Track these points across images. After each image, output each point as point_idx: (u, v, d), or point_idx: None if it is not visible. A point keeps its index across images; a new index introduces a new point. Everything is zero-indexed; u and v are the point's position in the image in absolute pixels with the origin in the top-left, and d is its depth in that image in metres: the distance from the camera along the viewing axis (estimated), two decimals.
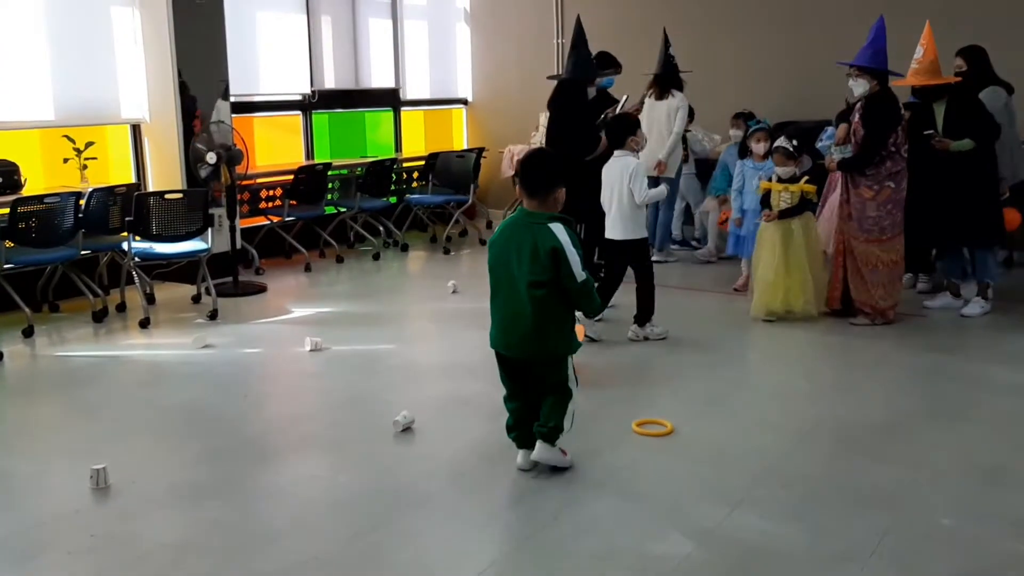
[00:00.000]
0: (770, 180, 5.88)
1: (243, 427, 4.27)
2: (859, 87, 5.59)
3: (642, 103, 6.71)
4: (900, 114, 5.66)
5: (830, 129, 5.92)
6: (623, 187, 5.36)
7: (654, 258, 7.80)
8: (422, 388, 4.76)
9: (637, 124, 5.52)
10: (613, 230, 5.50)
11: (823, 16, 8.27)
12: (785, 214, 5.73)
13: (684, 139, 7.72)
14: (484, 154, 9.48)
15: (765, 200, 5.87)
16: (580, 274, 3.41)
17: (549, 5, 9.79)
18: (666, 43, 7.57)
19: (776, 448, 3.86)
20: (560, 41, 9.74)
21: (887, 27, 5.58)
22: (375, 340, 5.71)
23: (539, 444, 3.62)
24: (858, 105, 5.72)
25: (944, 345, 5.36)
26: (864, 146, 5.59)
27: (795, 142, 5.76)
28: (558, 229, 3.41)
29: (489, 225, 9.81)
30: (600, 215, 5.65)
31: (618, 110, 6.36)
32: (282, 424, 4.31)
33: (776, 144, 5.87)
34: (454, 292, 6.79)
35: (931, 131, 5.78)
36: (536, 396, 3.62)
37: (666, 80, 7.49)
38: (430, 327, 6.15)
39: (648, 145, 6.77)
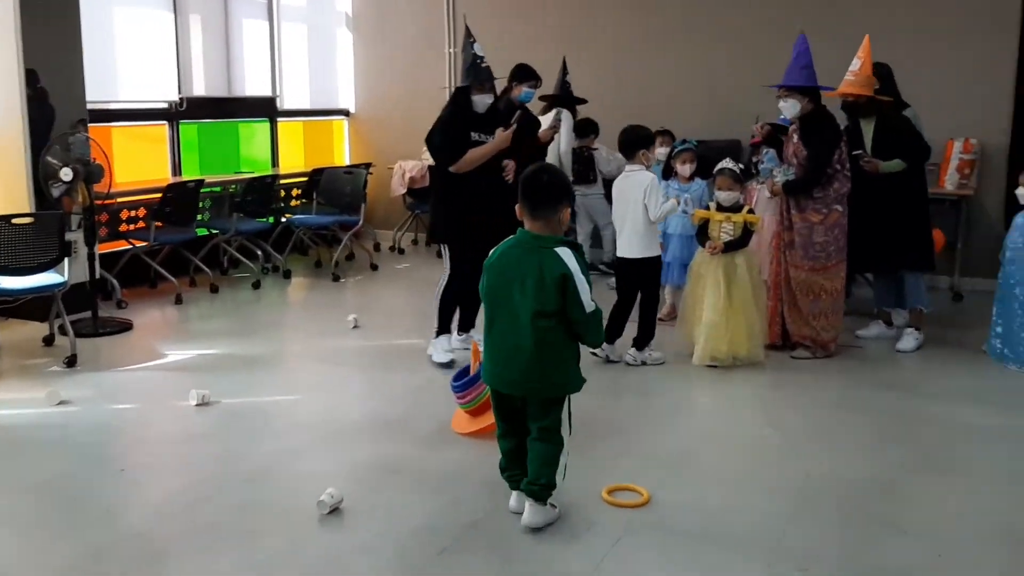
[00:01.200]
0: (707, 208, 5.38)
1: (124, 515, 3.42)
2: (791, 108, 5.25)
3: (557, 125, 6.20)
4: (840, 130, 5.35)
5: (771, 151, 5.50)
6: (638, 203, 5.13)
7: None
8: (341, 452, 4.00)
9: (651, 138, 5.32)
10: (627, 248, 5.26)
11: (734, 35, 7.99)
12: (730, 247, 5.18)
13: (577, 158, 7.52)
14: (370, 170, 8.74)
15: (703, 231, 5.30)
16: (589, 304, 3.12)
17: (440, 11, 9.16)
18: (564, 70, 7.37)
19: (773, 517, 3.35)
20: (452, 50, 9.13)
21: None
22: (272, 390, 4.91)
23: (529, 507, 3.24)
24: (793, 126, 5.38)
25: (898, 382, 5.03)
26: (810, 167, 5.22)
27: (741, 165, 5.29)
28: (566, 254, 3.11)
29: (377, 247, 9.05)
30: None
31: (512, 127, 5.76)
32: (175, 509, 3.47)
33: (720, 166, 5.30)
34: (355, 327, 6.04)
35: (860, 151, 5.49)
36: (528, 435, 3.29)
37: (558, 101, 7.22)
38: (335, 372, 5.30)
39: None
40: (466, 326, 5.55)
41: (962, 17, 7.16)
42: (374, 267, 8.20)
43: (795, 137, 5.33)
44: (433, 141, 5.23)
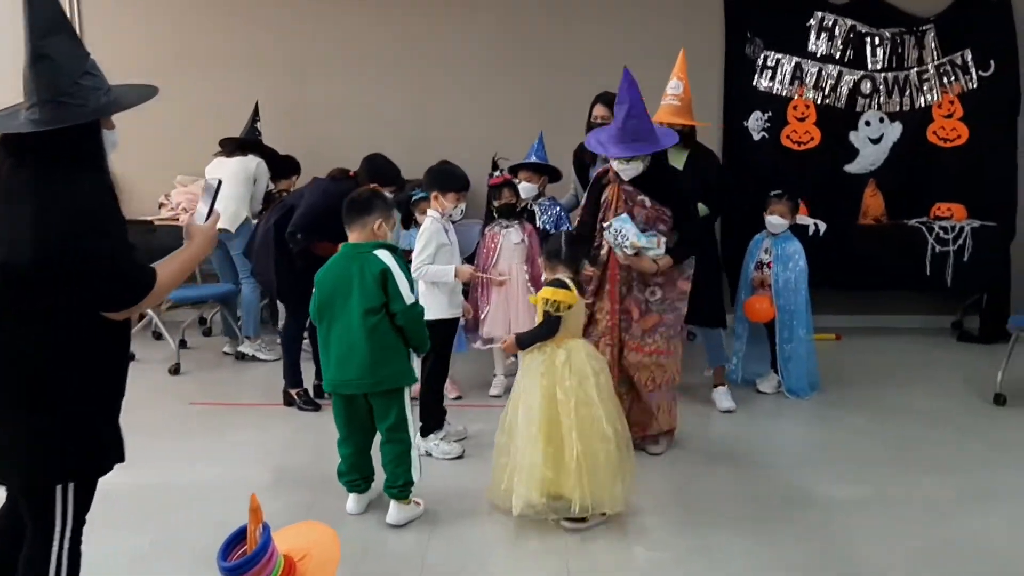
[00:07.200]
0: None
1: None
2: (635, 169, 4.04)
3: None
4: None
5: (624, 213, 4.12)
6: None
7: (240, 349, 6.02)
8: None
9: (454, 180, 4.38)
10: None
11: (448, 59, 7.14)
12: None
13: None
14: None
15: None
16: (409, 296, 3.43)
17: None
18: (255, 114, 6.48)
19: None
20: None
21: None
22: None
23: (393, 507, 3.53)
24: (619, 184, 4.19)
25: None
26: (691, 224, 4.23)
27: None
28: (384, 254, 3.44)
29: None
30: None
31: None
32: None
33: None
34: None
35: None
36: (371, 439, 3.62)
37: (245, 144, 6.24)
38: None
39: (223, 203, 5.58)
40: None
41: None
42: None
43: (644, 199, 4.11)
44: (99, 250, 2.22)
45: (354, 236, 3.53)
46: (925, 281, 6.59)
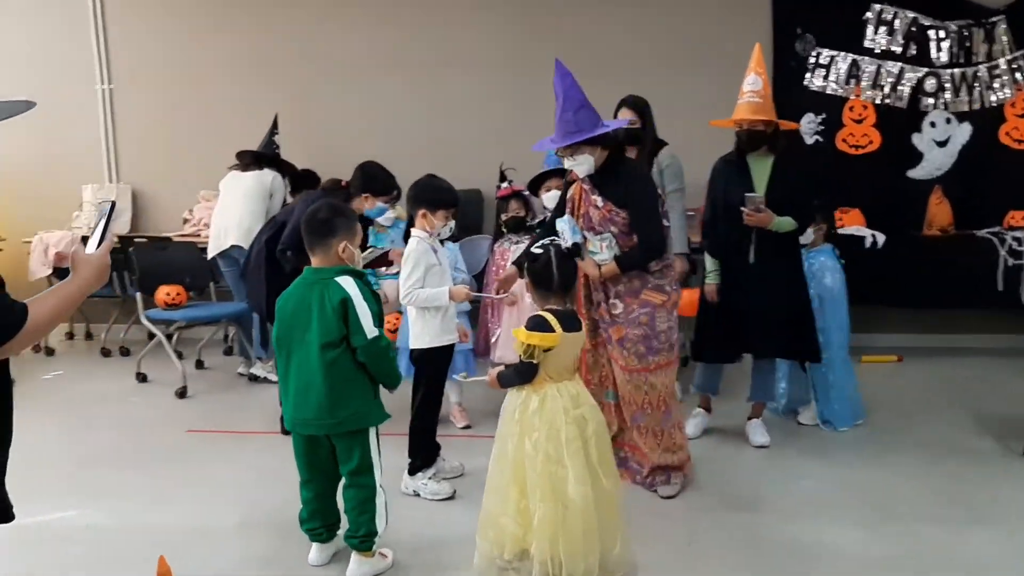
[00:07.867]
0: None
1: None
2: (584, 165, 3.72)
3: None
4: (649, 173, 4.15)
5: (567, 216, 3.87)
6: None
7: (252, 370, 5.78)
8: None
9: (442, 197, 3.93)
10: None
11: (463, 65, 6.77)
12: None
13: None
14: None
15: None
16: (372, 330, 3.05)
17: (85, 36, 7.08)
18: (273, 127, 6.24)
19: None
20: (107, 87, 7.09)
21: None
22: None
23: (354, 560, 3.17)
24: (579, 183, 3.89)
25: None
26: (648, 228, 3.76)
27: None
28: (347, 282, 3.07)
29: None
30: None
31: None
32: None
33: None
34: None
35: (755, 194, 4.18)
36: (335, 483, 3.26)
37: (261, 158, 6.03)
38: None
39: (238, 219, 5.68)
40: None
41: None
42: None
43: (596, 198, 3.79)
44: None
45: (317, 260, 3.18)
46: (997, 298, 6.01)
